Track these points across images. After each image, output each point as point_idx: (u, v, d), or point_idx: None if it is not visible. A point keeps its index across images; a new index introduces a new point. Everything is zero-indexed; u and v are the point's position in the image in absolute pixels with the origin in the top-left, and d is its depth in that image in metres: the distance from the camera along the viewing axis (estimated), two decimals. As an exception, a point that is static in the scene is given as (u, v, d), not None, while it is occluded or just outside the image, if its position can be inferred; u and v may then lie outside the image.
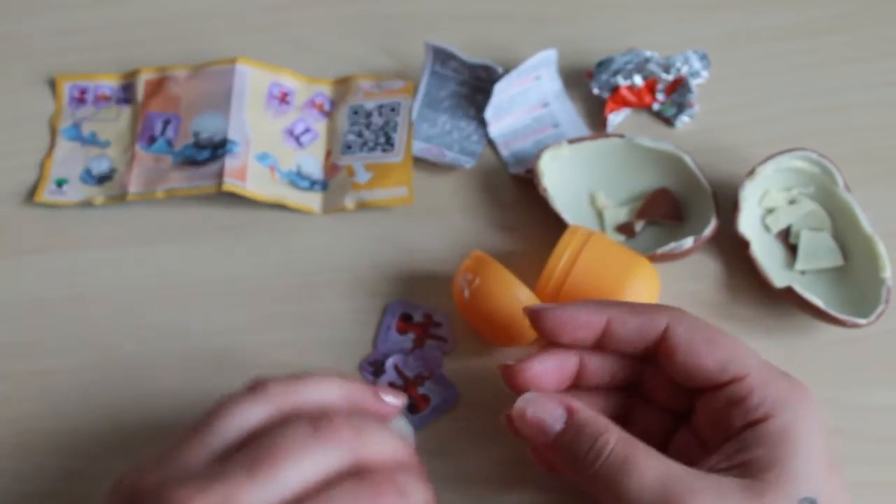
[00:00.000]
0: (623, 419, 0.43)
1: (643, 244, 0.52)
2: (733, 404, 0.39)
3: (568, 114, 0.57)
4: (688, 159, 0.52)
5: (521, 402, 0.40)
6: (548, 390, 0.42)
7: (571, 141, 0.53)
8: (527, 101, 0.57)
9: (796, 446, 0.37)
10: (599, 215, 0.53)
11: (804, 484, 0.36)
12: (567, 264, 0.47)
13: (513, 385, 0.42)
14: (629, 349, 0.41)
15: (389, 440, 0.39)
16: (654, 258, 0.49)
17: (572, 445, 0.38)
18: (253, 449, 0.36)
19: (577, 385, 0.43)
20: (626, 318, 0.40)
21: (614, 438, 0.38)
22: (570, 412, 0.39)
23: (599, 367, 0.42)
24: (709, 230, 0.50)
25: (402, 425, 0.43)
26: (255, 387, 0.39)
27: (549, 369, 0.42)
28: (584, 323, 0.41)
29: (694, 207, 0.52)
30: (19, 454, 0.48)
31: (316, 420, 0.37)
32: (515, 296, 0.46)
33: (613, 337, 0.41)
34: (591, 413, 0.39)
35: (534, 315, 0.42)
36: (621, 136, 0.53)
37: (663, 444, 0.42)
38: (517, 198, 0.54)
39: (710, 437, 0.40)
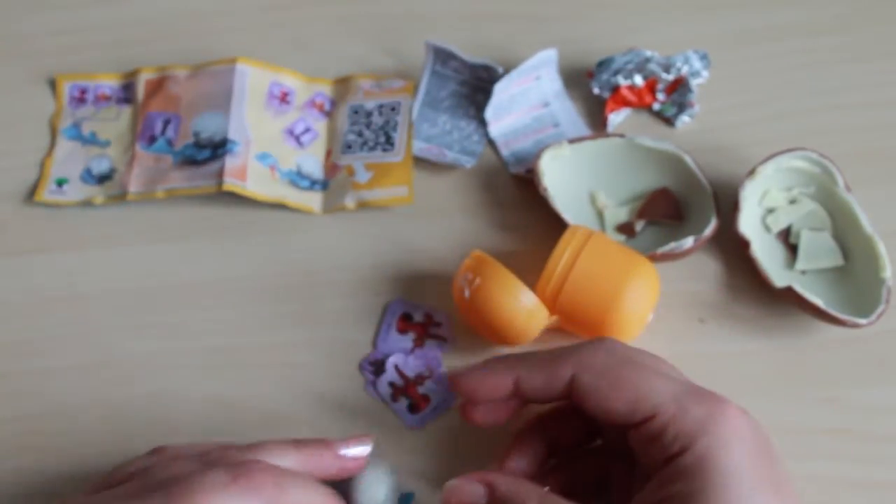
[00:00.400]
0: (594, 436, 0.44)
1: (643, 244, 0.51)
2: (652, 441, 0.38)
3: (568, 114, 0.57)
4: (688, 159, 0.52)
5: (445, 489, 0.41)
6: (499, 419, 0.44)
7: (572, 141, 0.53)
8: (527, 101, 0.57)
9: (714, 475, 0.36)
10: (600, 215, 0.53)
11: None
12: (567, 264, 0.47)
13: (468, 422, 0.44)
14: (543, 400, 0.42)
15: (314, 497, 0.39)
16: (654, 258, 0.49)
17: None
18: (172, 485, 0.36)
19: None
20: (531, 376, 0.41)
21: None
22: (490, 488, 0.41)
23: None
24: (709, 230, 0.50)
25: (379, 474, 0.43)
26: (205, 455, 0.39)
27: (491, 409, 0.44)
28: (493, 386, 0.42)
29: (694, 207, 0.52)
30: (19, 454, 0.48)
31: (236, 469, 0.37)
32: (516, 296, 0.46)
33: (524, 393, 0.42)
34: (510, 484, 0.40)
35: (449, 382, 0.43)
36: (622, 135, 0.53)
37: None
38: (517, 197, 0.54)
39: (646, 467, 0.40)
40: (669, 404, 0.38)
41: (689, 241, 0.49)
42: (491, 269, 0.47)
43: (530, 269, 0.48)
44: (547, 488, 0.40)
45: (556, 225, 0.51)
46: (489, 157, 0.56)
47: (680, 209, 0.52)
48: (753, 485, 0.36)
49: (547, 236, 0.50)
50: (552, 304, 0.47)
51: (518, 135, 0.56)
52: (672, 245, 0.50)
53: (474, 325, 0.49)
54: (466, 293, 0.47)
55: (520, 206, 0.54)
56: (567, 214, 0.51)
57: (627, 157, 0.53)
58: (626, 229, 0.52)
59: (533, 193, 0.53)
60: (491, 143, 0.56)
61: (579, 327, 0.48)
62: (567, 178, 0.53)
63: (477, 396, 0.43)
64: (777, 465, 0.38)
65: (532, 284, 0.47)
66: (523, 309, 0.46)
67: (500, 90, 0.55)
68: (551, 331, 0.48)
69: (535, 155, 0.53)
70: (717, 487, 0.36)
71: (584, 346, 0.41)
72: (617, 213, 0.53)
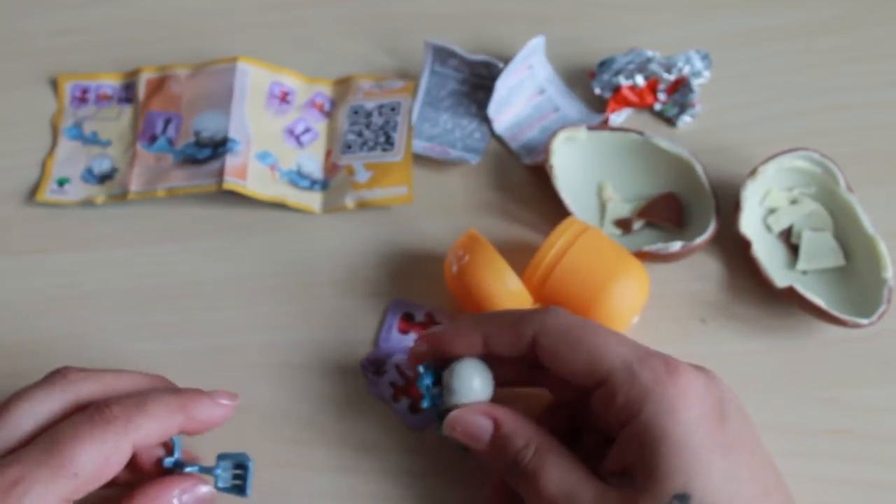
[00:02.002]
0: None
1: (638, 242, 0.51)
2: (607, 406, 0.39)
3: (565, 96, 0.57)
4: (699, 168, 0.52)
5: (449, 420, 0.42)
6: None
7: (591, 127, 0.53)
8: (524, 92, 0.57)
9: (661, 441, 0.37)
10: (603, 206, 0.53)
11: (673, 481, 0.36)
12: (557, 254, 0.47)
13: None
14: (512, 356, 0.42)
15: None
16: (640, 255, 0.49)
17: (498, 455, 0.41)
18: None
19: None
20: (497, 333, 0.42)
21: (531, 452, 0.40)
22: (496, 424, 0.41)
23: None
24: (700, 239, 0.50)
25: (474, 364, 0.43)
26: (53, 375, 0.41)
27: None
28: (464, 343, 0.43)
29: (696, 214, 0.52)
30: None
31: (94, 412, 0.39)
32: (501, 278, 0.46)
33: (493, 351, 0.42)
34: (514, 424, 0.41)
35: (419, 339, 0.44)
36: (640, 132, 0.53)
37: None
38: (526, 192, 0.54)
39: (608, 431, 0.40)
40: (620, 369, 0.39)
41: (676, 245, 0.49)
42: (481, 247, 0.47)
43: (529, 260, 0.48)
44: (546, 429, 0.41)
45: (560, 219, 0.50)
46: (498, 152, 0.56)
47: (682, 217, 0.52)
48: (701, 450, 0.37)
49: (550, 230, 0.49)
50: (538, 291, 0.47)
51: (523, 126, 0.56)
52: (659, 245, 0.49)
53: (459, 302, 0.49)
54: (454, 268, 0.47)
55: (530, 201, 0.54)
56: (570, 200, 0.51)
57: (640, 155, 0.53)
58: (623, 224, 0.52)
59: (543, 189, 0.53)
60: (499, 138, 0.56)
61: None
62: (578, 164, 0.53)
63: (449, 352, 0.43)
64: (729, 425, 0.38)
65: (524, 274, 0.47)
66: (507, 292, 0.46)
67: (500, 86, 0.55)
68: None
69: (552, 133, 0.52)
70: (665, 454, 0.37)
71: (546, 309, 0.42)
72: (620, 208, 0.53)
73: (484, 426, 0.41)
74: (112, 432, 0.38)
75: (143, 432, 0.39)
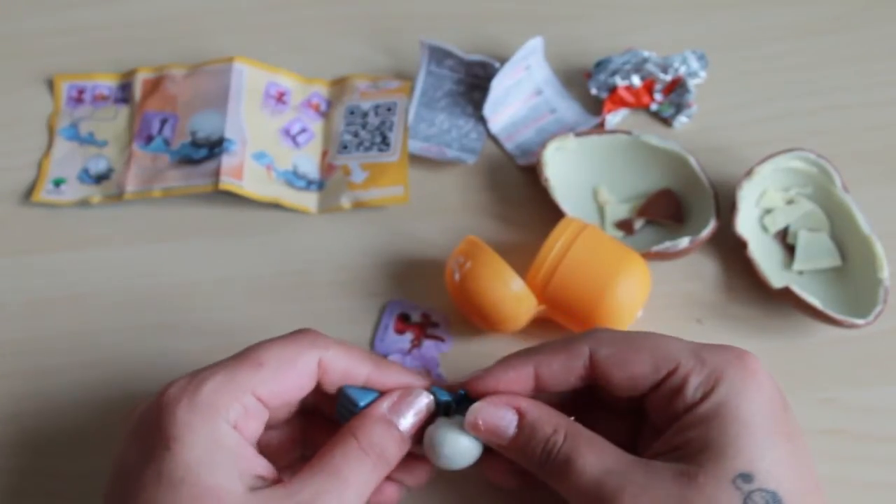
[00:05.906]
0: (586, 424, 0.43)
1: (641, 242, 0.51)
2: (674, 395, 0.39)
3: (563, 98, 0.57)
4: (692, 161, 0.52)
5: (472, 412, 0.40)
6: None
7: (578, 133, 0.53)
8: (521, 92, 0.57)
9: (730, 422, 0.37)
10: (601, 210, 0.53)
11: (739, 460, 0.36)
12: (559, 254, 0.47)
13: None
14: (564, 386, 0.41)
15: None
16: (648, 256, 0.49)
17: (526, 447, 0.40)
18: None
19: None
20: (549, 361, 0.40)
21: (561, 438, 0.39)
22: (520, 415, 0.40)
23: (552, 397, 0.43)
24: (706, 232, 0.50)
25: (457, 422, 0.41)
26: None
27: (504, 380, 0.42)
28: (513, 381, 0.41)
29: (695, 209, 0.52)
30: (19, 454, 0.48)
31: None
32: (505, 281, 0.46)
33: (546, 382, 0.41)
34: (540, 412, 0.40)
35: (467, 386, 0.42)
36: (628, 132, 0.53)
37: (631, 439, 0.42)
38: (524, 192, 0.54)
39: (661, 422, 0.40)
40: (689, 357, 0.39)
41: (684, 241, 0.49)
42: (482, 253, 0.47)
43: (527, 261, 0.48)
44: (572, 418, 0.40)
45: (558, 220, 0.51)
46: (493, 152, 0.56)
47: (681, 211, 0.52)
48: (768, 433, 0.37)
49: (548, 231, 0.50)
50: (542, 292, 0.47)
51: (518, 126, 0.56)
52: (667, 244, 0.50)
53: (463, 309, 0.49)
54: (456, 276, 0.47)
55: (525, 201, 0.54)
56: (568, 207, 0.51)
57: (632, 155, 0.53)
58: (625, 226, 0.52)
59: (538, 188, 0.53)
60: (494, 139, 0.56)
61: (567, 317, 0.48)
62: (571, 171, 0.53)
63: (498, 393, 0.41)
64: (790, 415, 0.38)
65: (526, 275, 0.47)
66: (512, 295, 0.46)
67: (495, 85, 0.55)
68: (540, 321, 0.48)
69: (541, 145, 0.53)
70: (733, 434, 0.37)
71: (592, 329, 0.41)
72: (618, 210, 0.53)
73: (508, 418, 0.40)
74: (298, 341, 0.40)
75: (331, 353, 0.40)
